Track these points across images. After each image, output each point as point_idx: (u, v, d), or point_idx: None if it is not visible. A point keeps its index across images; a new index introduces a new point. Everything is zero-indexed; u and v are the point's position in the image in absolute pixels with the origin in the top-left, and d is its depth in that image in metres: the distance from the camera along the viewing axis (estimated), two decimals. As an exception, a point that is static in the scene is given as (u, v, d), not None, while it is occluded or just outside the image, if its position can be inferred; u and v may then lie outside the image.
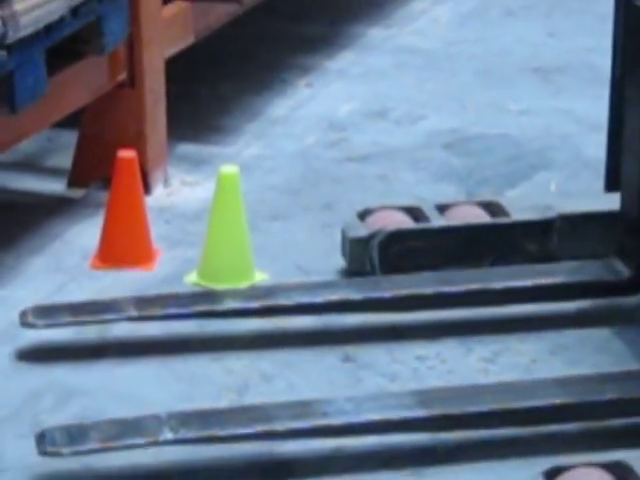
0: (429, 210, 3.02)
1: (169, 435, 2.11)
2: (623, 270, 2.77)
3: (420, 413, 2.35)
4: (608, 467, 2.22)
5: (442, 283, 2.88)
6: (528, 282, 2.87)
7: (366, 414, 2.36)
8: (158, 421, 2.15)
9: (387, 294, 2.86)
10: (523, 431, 2.43)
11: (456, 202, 3.18)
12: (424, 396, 2.50)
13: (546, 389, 2.40)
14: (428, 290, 2.87)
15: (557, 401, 2.48)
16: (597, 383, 2.48)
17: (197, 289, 2.96)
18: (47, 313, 2.74)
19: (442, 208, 3.11)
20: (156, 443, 2.15)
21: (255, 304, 2.98)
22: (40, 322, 2.72)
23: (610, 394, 2.39)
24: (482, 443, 2.39)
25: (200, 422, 2.28)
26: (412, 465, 2.36)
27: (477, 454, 2.38)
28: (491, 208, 3.00)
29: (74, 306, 2.86)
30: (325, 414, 2.38)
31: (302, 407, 2.46)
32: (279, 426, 2.30)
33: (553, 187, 3.39)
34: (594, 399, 2.39)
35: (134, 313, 2.85)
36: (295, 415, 2.38)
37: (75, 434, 2.15)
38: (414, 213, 3.01)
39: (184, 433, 2.16)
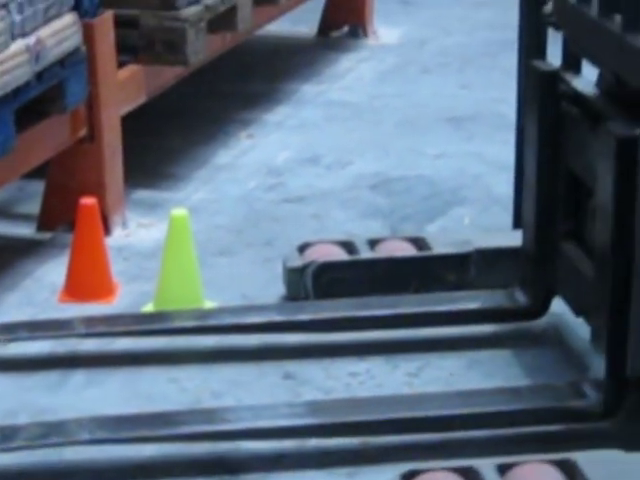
0: (361, 244, 3.07)
1: (86, 436, 2.17)
2: (523, 299, 2.82)
3: (309, 421, 2.41)
4: (460, 471, 2.26)
5: (370, 307, 2.92)
6: (445, 307, 2.91)
7: (260, 421, 2.42)
8: (79, 424, 2.21)
9: (321, 317, 2.87)
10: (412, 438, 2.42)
11: (386, 237, 3.23)
12: (317, 406, 2.59)
13: (427, 401, 2.45)
14: (358, 313, 2.90)
15: (430, 413, 2.51)
16: (470, 397, 2.52)
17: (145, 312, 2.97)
18: (8, 330, 2.77)
19: (373, 242, 3.14)
20: (74, 443, 2.20)
21: (202, 323, 3.04)
22: (1, 337, 2.77)
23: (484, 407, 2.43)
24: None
25: (115, 425, 2.33)
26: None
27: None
28: (417, 242, 3.05)
29: (32, 324, 2.89)
30: (225, 420, 2.44)
31: (207, 414, 2.53)
32: (184, 429, 2.36)
33: (467, 221, 3.45)
34: (464, 412, 2.41)
35: (83, 330, 2.90)
36: (199, 420, 2.45)
37: (7, 433, 2.20)
38: (348, 247, 3.06)
39: (100, 434, 2.21)
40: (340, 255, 3.07)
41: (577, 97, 2.62)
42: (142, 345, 3.05)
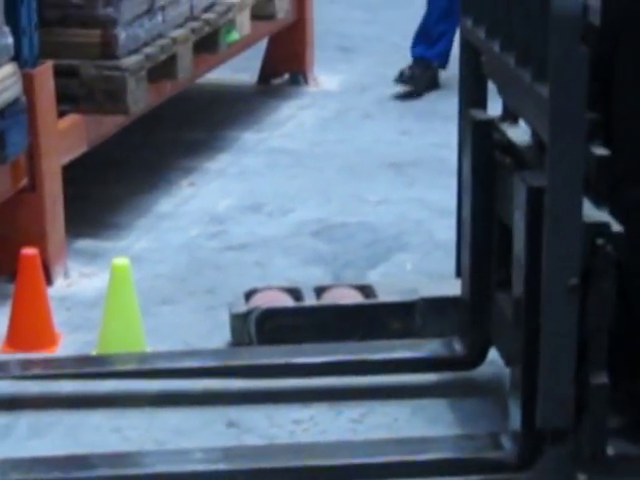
0: (307, 291, 3.10)
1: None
2: (461, 349, 2.87)
3: (217, 467, 2.44)
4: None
5: (313, 354, 2.95)
6: (387, 356, 2.93)
7: (172, 466, 2.44)
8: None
9: (264, 362, 2.91)
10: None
11: (333, 284, 3.25)
12: (230, 452, 2.59)
13: (335, 450, 2.49)
14: (301, 360, 2.93)
15: (337, 462, 2.51)
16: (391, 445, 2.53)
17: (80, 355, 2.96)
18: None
19: (320, 290, 3.15)
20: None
21: (145, 367, 3.03)
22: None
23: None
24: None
25: (30, 467, 2.35)
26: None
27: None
28: (364, 290, 3.10)
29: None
30: (138, 465, 2.47)
31: (121, 458, 2.54)
32: (96, 472, 2.36)
33: (409, 267, 3.51)
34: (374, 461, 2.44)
35: (18, 372, 2.91)
36: (113, 464, 2.45)
37: None
38: (295, 293, 3.09)
39: (13, 476, 2.23)
40: (286, 302, 3.09)
41: (509, 146, 2.68)
42: (85, 389, 2.98)
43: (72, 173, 3.83)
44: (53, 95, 3.57)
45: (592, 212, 2.43)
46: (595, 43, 2.42)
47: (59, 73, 3.61)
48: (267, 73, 6.00)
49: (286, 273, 3.67)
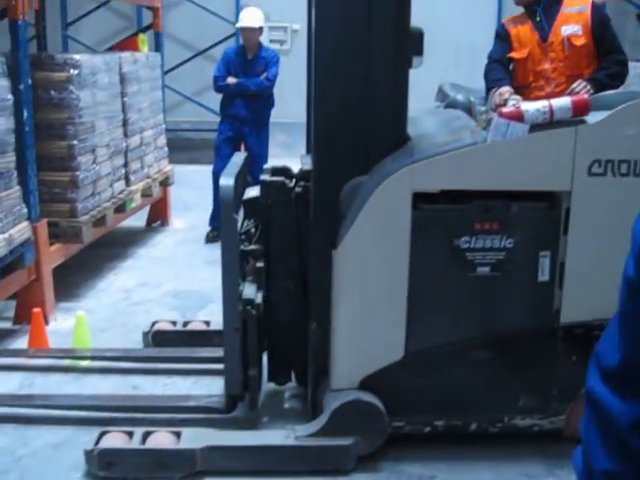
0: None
1: None
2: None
3: None
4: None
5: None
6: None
7: None
8: None
9: None
10: None
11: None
12: None
13: None
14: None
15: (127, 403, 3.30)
16: None
17: None
18: None
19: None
20: None
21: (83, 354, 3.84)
22: None
23: None
24: None
25: None
26: None
27: None
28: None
29: None
30: None
31: None
32: None
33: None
34: None
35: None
36: None
37: None
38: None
39: None
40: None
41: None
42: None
43: (57, 271, 4.68)
44: (47, 235, 4.53)
45: (249, 292, 3.09)
46: (259, 210, 3.19)
47: (49, 224, 4.59)
48: (149, 221, 7.08)
49: (160, 315, 4.47)
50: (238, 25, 6.38)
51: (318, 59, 2.84)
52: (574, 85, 3.82)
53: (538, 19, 3.96)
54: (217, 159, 6.34)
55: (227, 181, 3.02)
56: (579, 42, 3.90)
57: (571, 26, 3.91)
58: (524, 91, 3.98)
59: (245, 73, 6.29)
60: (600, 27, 3.92)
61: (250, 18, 6.28)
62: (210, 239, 6.35)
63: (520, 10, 4.10)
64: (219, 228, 5.51)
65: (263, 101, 6.38)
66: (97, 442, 2.90)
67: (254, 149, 6.24)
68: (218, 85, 6.35)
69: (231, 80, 6.25)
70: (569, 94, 3.70)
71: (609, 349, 1.05)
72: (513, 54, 4.03)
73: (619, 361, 1.03)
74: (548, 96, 3.43)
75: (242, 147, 6.46)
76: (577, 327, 2.96)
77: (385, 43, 2.80)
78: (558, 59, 3.94)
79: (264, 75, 6.29)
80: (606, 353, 1.06)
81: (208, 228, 6.47)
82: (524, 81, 4.03)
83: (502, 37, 4.10)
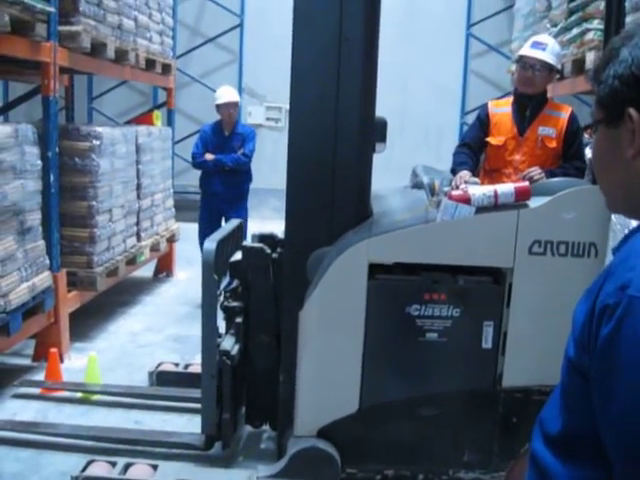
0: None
1: None
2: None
3: None
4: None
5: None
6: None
7: None
8: None
9: None
10: None
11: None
12: None
13: None
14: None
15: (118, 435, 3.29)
16: None
17: None
18: None
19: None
20: None
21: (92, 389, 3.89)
22: None
23: None
24: None
25: None
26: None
27: None
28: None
29: None
30: None
31: None
32: None
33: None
34: None
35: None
36: None
37: None
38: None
39: None
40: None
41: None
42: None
43: (73, 315, 4.69)
44: (65, 284, 4.59)
45: (227, 344, 3.12)
46: (241, 272, 3.20)
47: (68, 273, 4.64)
48: (156, 272, 7.02)
49: (163, 356, 4.50)
50: (218, 102, 5.94)
51: (291, 142, 2.85)
52: (531, 169, 3.74)
53: (528, 114, 3.86)
54: (199, 242, 5.82)
55: (209, 245, 3.05)
56: (551, 144, 3.84)
57: (548, 128, 3.84)
58: (493, 174, 3.93)
59: (222, 149, 5.91)
60: (572, 135, 3.86)
61: (228, 94, 5.96)
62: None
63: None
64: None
65: (241, 177, 5.96)
66: (83, 470, 2.91)
67: None
68: (196, 161, 5.93)
69: (208, 157, 5.86)
70: (523, 177, 3.66)
71: (552, 416, 1.04)
72: (490, 139, 3.95)
73: (559, 430, 1.02)
74: (514, 183, 3.35)
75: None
76: (517, 391, 2.88)
77: (350, 131, 2.80)
78: (529, 154, 3.86)
79: (241, 151, 5.91)
80: (549, 420, 1.05)
81: None
82: (495, 165, 3.96)
83: (482, 121, 4.00)
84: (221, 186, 5.85)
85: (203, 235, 5.46)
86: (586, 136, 3.05)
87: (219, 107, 5.90)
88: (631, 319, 0.90)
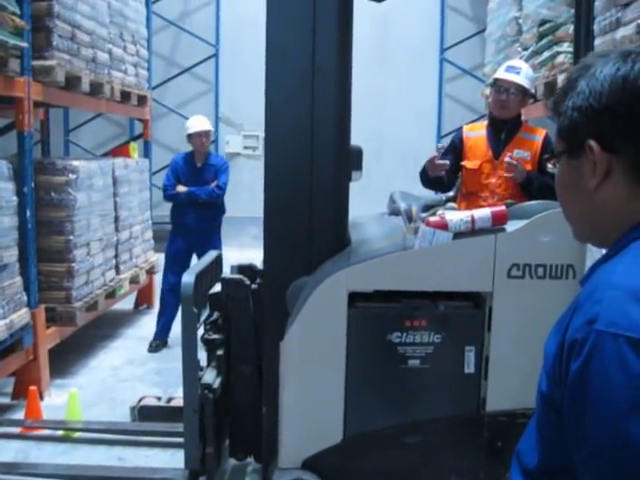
0: None
1: None
2: None
3: None
4: None
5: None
6: None
7: None
8: None
9: None
10: None
11: None
12: None
13: None
14: None
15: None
16: None
17: None
18: None
19: None
20: None
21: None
22: None
23: None
24: None
25: None
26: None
27: None
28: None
29: None
30: None
31: None
32: None
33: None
34: None
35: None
36: None
37: None
38: None
39: None
40: None
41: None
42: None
43: (53, 351, 4.70)
44: (44, 320, 4.57)
45: (209, 377, 3.09)
46: (221, 303, 3.15)
47: (47, 309, 4.62)
48: (136, 304, 6.97)
49: (145, 390, 4.49)
50: (189, 132, 5.71)
51: (267, 174, 2.85)
52: (514, 164, 3.70)
53: (503, 137, 3.85)
54: (167, 274, 5.61)
55: (188, 278, 3.01)
56: (526, 167, 3.80)
57: (522, 151, 3.83)
58: (471, 197, 3.92)
59: (195, 181, 5.66)
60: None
61: (200, 123, 5.75)
62: (152, 349, 5.68)
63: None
64: (162, 338, 5.60)
65: (214, 209, 5.74)
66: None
67: None
68: (168, 194, 5.66)
69: (181, 189, 5.61)
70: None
71: (528, 449, 1.04)
72: (466, 163, 3.94)
73: (536, 464, 1.02)
74: (490, 207, 3.37)
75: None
76: (502, 415, 2.86)
77: (326, 160, 2.80)
78: (505, 177, 3.83)
79: (214, 183, 5.66)
80: (526, 453, 1.05)
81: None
82: (471, 189, 3.95)
83: (455, 145, 4.01)
84: (194, 219, 5.61)
85: (171, 269, 5.38)
86: (550, 166, 3.06)
87: (191, 137, 5.70)
88: (599, 355, 0.90)
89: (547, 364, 1.00)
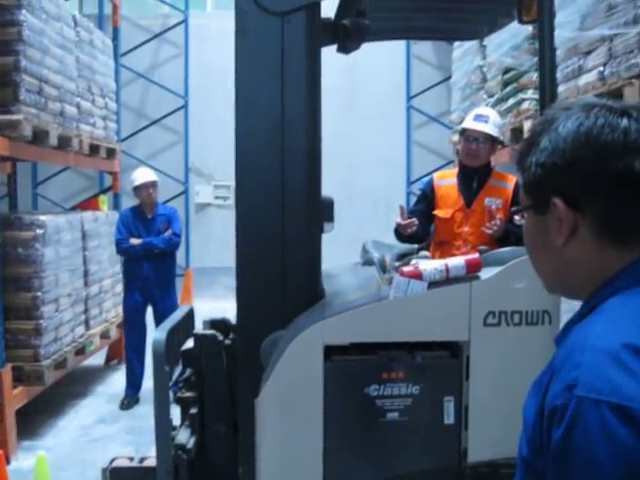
0: None
1: None
2: None
3: None
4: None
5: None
6: None
7: None
8: None
9: None
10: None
11: None
12: None
13: None
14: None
15: None
16: None
17: None
18: None
19: None
20: None
21: None
22: None
23: None
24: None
25: None
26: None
27: None
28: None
29: None
30: None
31: None
32: None
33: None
34: None
35: None
36: None
37: None
38: None
39: None
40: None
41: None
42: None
43: (20, 411, 4.67)
44: (10, 380, 4.54)
45: (182, 437, 2.92)
46: (193, 360, 2.98)
47: (14, 368, 4.60)
48: (107, 360, 6.85)
49: (117, 450, 4.37)
50: (136, 184, 5.76)
51: (238, 228, 2.81)
52: (494, 225, 3.67)
53: (475, 185, 3.84)
54: (129, 333, 5.60)
55: (159, 335, 2.92)
56: (498, 215, 3.75)
57: (494, 199, 3.81)
58: (444, 246, 3.88)
59: (148, 233, 5.64)
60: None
61: (145, 174, 5.81)
62: (124, 406, 5.64)
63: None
64: (133, 396, 5.54)
65: (169, 260, 5.71)
66: None
67: (166, 312, 4.70)
68: (123, 247, 5.61)
69: (135, 241, 5.57)
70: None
71: None
72: (437, 212, 3.90)
73: None
74: (464, 255, 3.31)
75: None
76: (484, 466, 2.80)
77: (297, 212, 2.77)
78: (477, 225, 3.79)
79: (169, 232, 5.65)
80: None
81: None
82: (444, 237, 3.91)
83: (426, 195, 3.98)
84: (151, 271, 5.56)
85: (131, 327, 5.35)
86: (517, 218, 3.07)
87: (137, 189, 5.73)
88: (582, 423, 0.86)
89: (527, 430, 0.96)
